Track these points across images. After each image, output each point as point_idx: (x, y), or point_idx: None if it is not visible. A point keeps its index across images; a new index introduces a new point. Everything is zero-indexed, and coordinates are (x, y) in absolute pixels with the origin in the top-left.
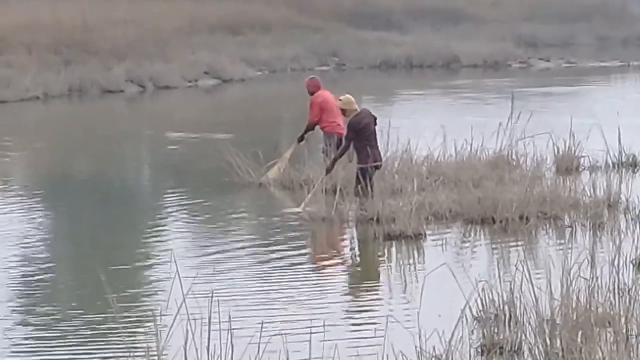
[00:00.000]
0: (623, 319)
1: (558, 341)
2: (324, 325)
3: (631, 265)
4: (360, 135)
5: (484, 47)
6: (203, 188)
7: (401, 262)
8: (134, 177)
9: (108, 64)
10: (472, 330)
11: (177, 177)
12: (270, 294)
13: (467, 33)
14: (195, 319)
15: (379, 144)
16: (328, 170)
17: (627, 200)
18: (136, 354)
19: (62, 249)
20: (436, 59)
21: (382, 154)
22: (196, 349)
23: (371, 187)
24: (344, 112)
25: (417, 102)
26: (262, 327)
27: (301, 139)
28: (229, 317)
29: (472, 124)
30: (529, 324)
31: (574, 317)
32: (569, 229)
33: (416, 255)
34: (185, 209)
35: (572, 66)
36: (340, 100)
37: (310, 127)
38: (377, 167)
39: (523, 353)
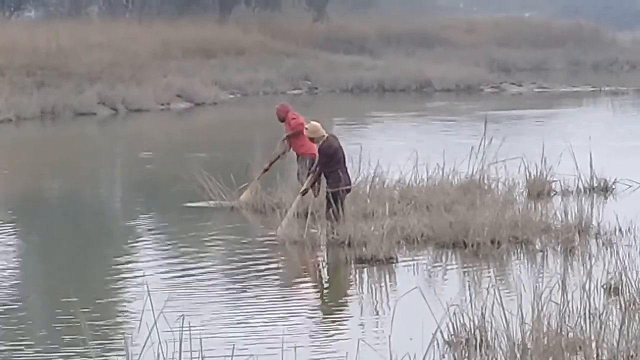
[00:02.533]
0: (594, 344)
1: None
2: (295, 349)
3: (602, 290)
4: (332, 159)
5: (457, 72)
6: (175, 211)
7: (373, 286)
8: (105, 200)
9: (81, 87)
10: (444, 355)
11: (148, 200)
12: (241, 318)
13: (441, 57)
14: (166, 342)
15: (348, 167)
16: (304, 193)
17: (598, 225)
18: None
19: (32, 273)
20: (409, 83)
21: (352, 178)
22: None
23: (342, 210)
24: (312, 139)
25: (389, 125)
26: (233, 351)
27: (285, 138)
28: (200, 340)
29: (444, 147)
30: (500, 348)
31: (545, 342)
32: (540, 253)
33: (388, 279)
34: (156, 232)
35: (544, 91)
36: (306, 129)
37: (293, 133)
38: (347, 191)
39: None
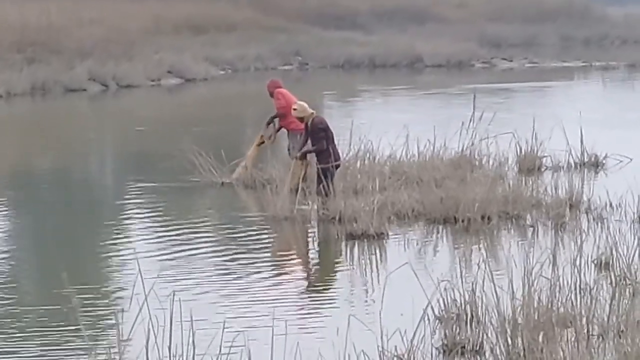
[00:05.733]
0: (584, 319)
1: (519, 341)
2: (285, 324)
3: (592, 265)
4: (326, 132)
5: (448, 47)
6: (166, 187)
7: (363, 262)
8: (96, 176)
9: (71, 63)
10: (434, 330)
11: (139, 176)
12: (232, 294)
13: (431, 33)
14: (157, 318)
15: (338, 143)
16: (299, 159)
17: (588, 200)
18: (98, 354)
19: (23, 248)
20: (400, 58)
21: (343, 153)
22: (158, 349)
23: (333, 186)
24: (301, 119)
25: (380, 100)
26: (224, 327)
27: (270, 121)
28: (191, 316)
29: (435, 122)
30: (491, 323)
31: (536, 317)
32: (531, 228)
33: (378, 255)
34: (147, 209)
35: (535, 66)
36: (294, 110)
37: (278, 114)
38: (337, 167)
39: (484, 353)
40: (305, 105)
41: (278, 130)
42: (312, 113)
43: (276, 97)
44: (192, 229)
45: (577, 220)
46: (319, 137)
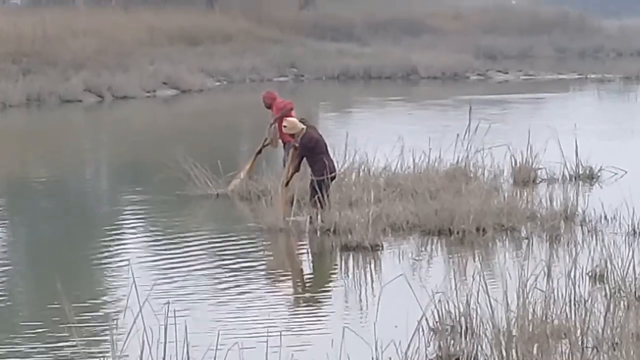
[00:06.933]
0: (579, 331)
1: (514, 353)
2: (280, 336)
3: (587, 278)
4: (313, 151)
5: (443, 59)
6: (161, 199)
7: (358, 273)
8: (91, 187)
9: (67, 74)
10: (429, 342)
11: (135, 187)
12: (227, 305)
13: (427, 45)
14: (151, 329)
15: (332, 155)
16: (287, 184)
17: (583, 212)
18: None
19: (18, 258)
20: (395, 70)
21: (338, 165)
22: None
23: (328, 198)
24: (292, 136)
25: (375, 112)
26: (218, 338)
27: (273, 123)
28: (185, 327)
29: (430, 134)
30: (485, 335)
31: (530, 329)
32: (526, 240)
33: (373, 267)
34: (142, 220)
35: (531, 78)
36: (285, 127)
37: (280, 115)
38: (332, 178)
39: None
40: (296, 121)
41: (278, 136)
42: (303, 129)
43: (277, 104)
44: (187, 240)
45: (571, 233)
46: (300, 154)
